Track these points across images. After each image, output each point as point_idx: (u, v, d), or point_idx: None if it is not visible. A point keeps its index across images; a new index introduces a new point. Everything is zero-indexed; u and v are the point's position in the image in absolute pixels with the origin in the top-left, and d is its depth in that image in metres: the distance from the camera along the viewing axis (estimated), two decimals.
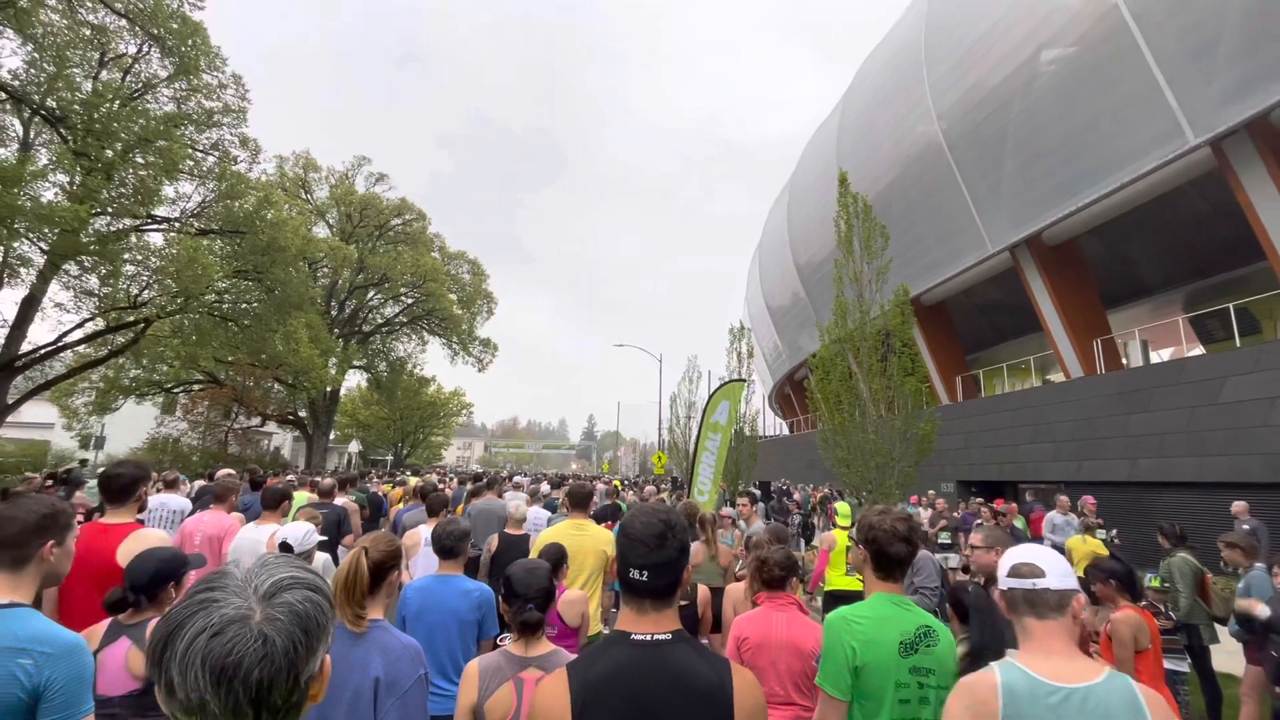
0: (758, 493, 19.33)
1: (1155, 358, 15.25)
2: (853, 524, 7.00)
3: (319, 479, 6.82)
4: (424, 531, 4.98)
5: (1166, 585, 4.77)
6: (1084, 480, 13.32)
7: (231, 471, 6.09)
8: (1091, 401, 13.50)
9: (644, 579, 1.39)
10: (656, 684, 1.29)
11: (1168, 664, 3.85)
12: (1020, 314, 18.28)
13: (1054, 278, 15.57)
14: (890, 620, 1.94)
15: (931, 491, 10.75)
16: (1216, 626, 5.04)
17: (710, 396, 10.25)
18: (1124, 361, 14.78)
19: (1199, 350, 14.09)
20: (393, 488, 12.35)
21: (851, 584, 5.77)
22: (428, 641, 2.72)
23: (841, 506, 6.49)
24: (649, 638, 1.35)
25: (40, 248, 14.74)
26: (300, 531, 2.98)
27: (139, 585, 2.19)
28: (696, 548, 4.59)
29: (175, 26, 15.54)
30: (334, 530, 5.24)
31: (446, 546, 3.00)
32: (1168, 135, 11.84)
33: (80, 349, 18.84)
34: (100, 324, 17.60)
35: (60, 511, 1.80)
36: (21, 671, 1.49)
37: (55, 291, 16.25)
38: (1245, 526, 7.85)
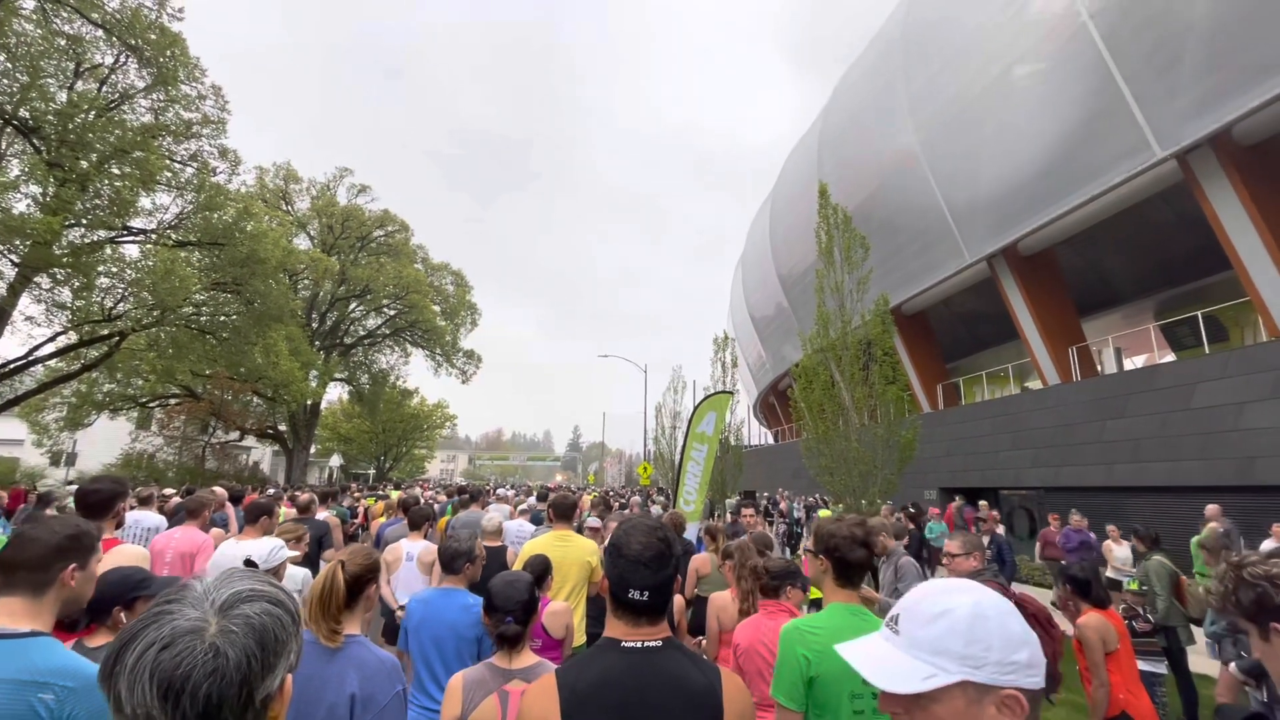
0: (763, 503, 19.34)
1: (1129, 365, 15.60)
2: None
3: (298, 494, 6.71)
4: (406, 546, 4.92)
5: (1144, 588, 4.86)
6: (1063, 485, 13.54)
7: (218, 489, 5.98)
8: (1068, 408, 13.75)
9: (644, 599, 1.39)
10: (648, 689, 1.29)
11: (1145, 665, 3.91)
12: (998, 323, 18.60)
13: (1030, 287, 15.88)
14: (845, 630, 1.91)
15: (962, 504, 10.91)
16: (1192, 627, 5.14)
17: (696, 407, 10.27)
18: (1099, 369, 15.09)
19: (1170, 357, 14.42)
20: (374, 501, 12.22)
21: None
22: (424, 655, 2.70)
23: (824, 514, 6.54)
24: (640, 644, 1.36)
25: (11, 260, 14.44)
26: (266, 548, 2.93)
27: (95, 603, 2.14)
28: (704, 558, 4.58)
29: (154, 37, 15.39)
30: (315, 546, 5.16)
31: (444, 562, 2.98)
32: (1135, 149, 12.19)
33: (51, 363, 18.42)
34: (73, 338, 17.23)
35: (84, 533, 1.70)
36: (43, 706, 1.39)
37: (26, 304, 15.90)
38: (1219, 529, 8.03)
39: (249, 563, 2.95)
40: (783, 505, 18.84)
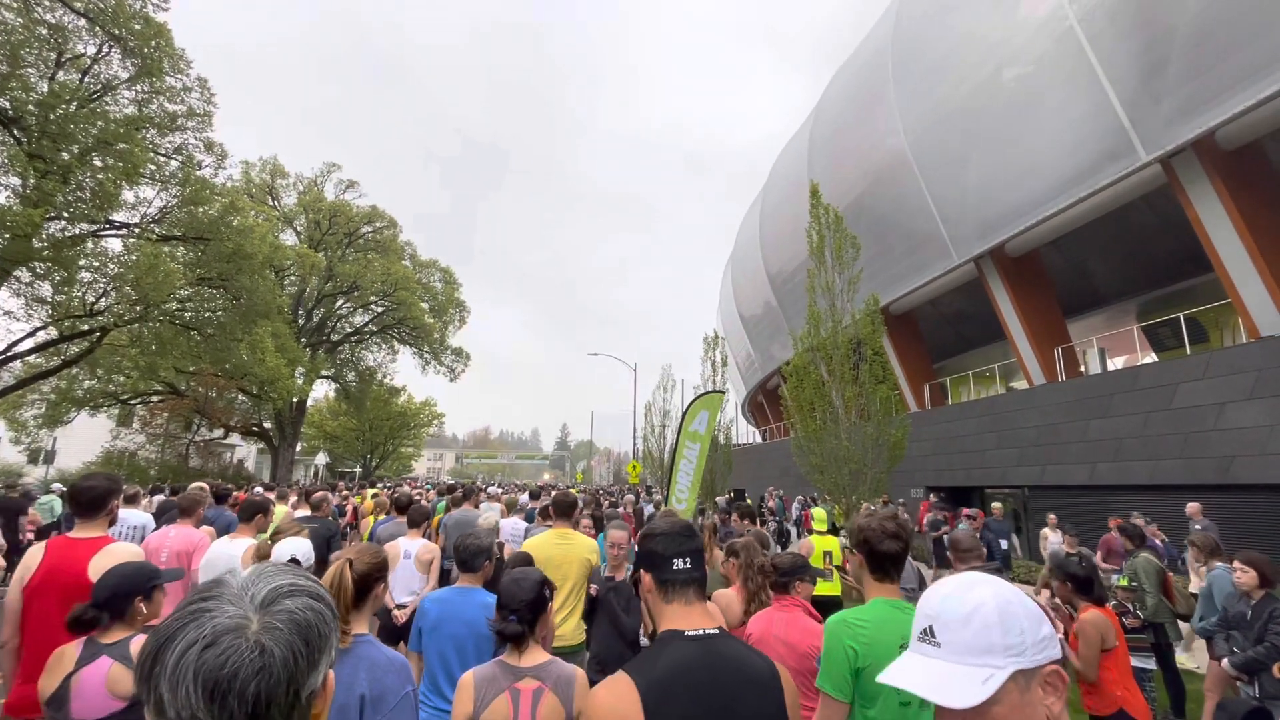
0: (749, 504, 19.36)
1: (1112, 365, 15.85)
2: (828, 529, 7.11)
3: (307, 491, 6.63)
4: (403, 544, 4.89)
5: (1134, 585, 4.94)
6: (1047, 484, 13.74)
7: (204, 485, 5.88)
8: (1053, 407, 13.95)
9: (688, 565, 1.46)
10: (720, 675, 1.33)
11: (1136, 662, 3.98)
12: (984, 323, 18.82)
13: (1017, 288, 16.08)
14: (889, 623, 1.96)
15: (997, 506, 10.79)
16: (1180, 623, 5.23)
17: (689, 406, 10.30)
18: (1083, 369, 15.32)
19: (1152, 358, 14.68)
20: (363, 500, 12.08)
21: (829, 589, 5.84)
22: (443, 654, 2.68)
23: (817, 512, 6.58)
24: (702, 632, 1.39)
25: None
26: (306, 547, 2.91)
27: (99, 601, 2.12)
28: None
29: (138, 28, 15.10)
30: (324, 547, 5.09)
31: (463, 560, 2.97)
32: (1121, 152, 12.38)
33: (30, 359, 18.04)
34: (53, 333, 16.89)
35: None
36: None
37: (4, 299, 15.55)
38: (1198, 527, 8.20)
39: (295, 562, 2.92)
40: (771, 504, 18.93)
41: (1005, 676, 0.83)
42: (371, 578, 2.06)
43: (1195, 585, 7.51)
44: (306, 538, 3.03)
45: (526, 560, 3.20)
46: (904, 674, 0.92)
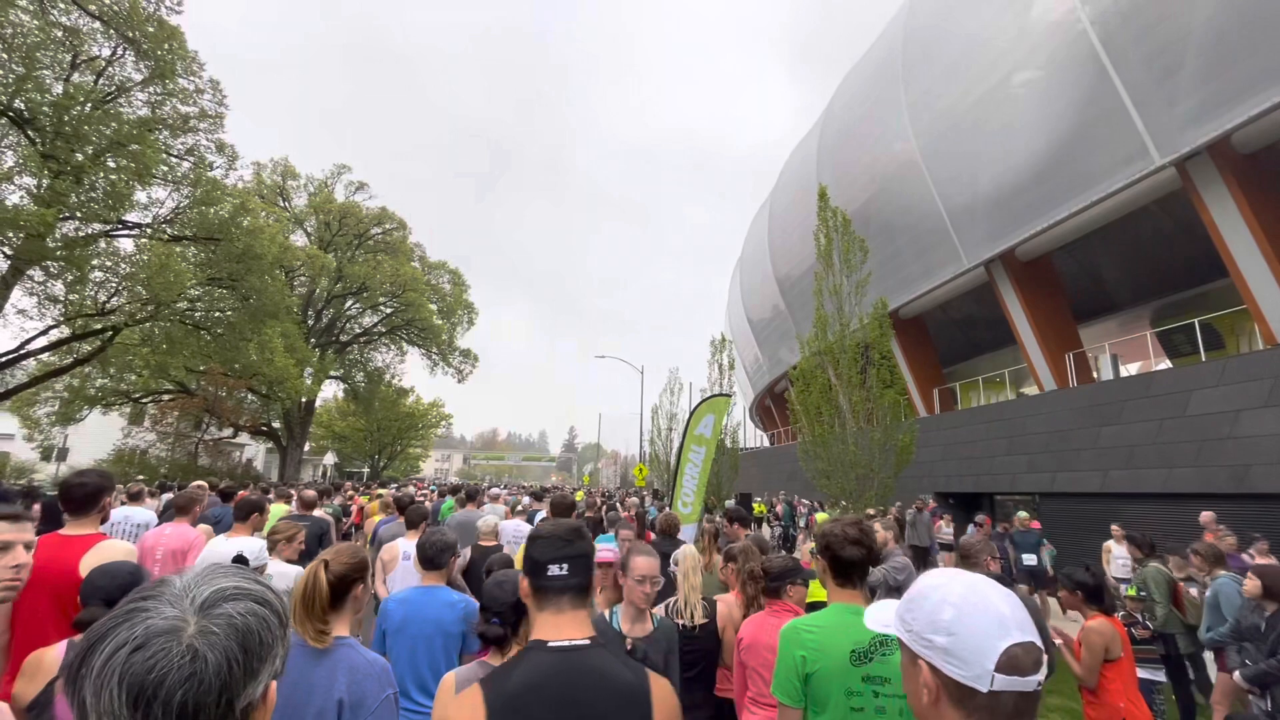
0: (741, 509, 19.29)
1: (1124, 371, 15.63)
2: None
3: (305, 490, 6.63)
4: (402, 545, 4.87)
5: (1143, 594, 4.84)
6: (1058, 491, 13.55)
7: (203, 483, 5.90)
8: (1064, 414, 13.76)
9: (564, 572, 1.39)
10: (578, 688, 1.26)
11: (1144, 673, 3.89)
12: (995, 328, 18.63)
13: (1027, 293, 15.91)
14: (842, 629, 1.96)
15: (1022, 516, 10.14)
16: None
17: (694, 409, 10.23)
18: (1095, 375, 15.11)
19: (1166, 364, 14.47)
20: (369, 500, 12.11)
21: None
22: (411, 655, 2.63)
23: (822, 517, 6.50)
24: (567, 644, 1.32)
25: (3, 252, 14.30)
26: (257, 545, 2.88)
27: (114, 598, 2.10)
28: (699, 560, 4.55)
29: (151, 30, 15.29)
30: (316, 544, 5.09)
31: (429, 557, 2.92)
32: (1134, 155, 12.22)
33: (43, 357, 18.27)
34: (65, 331, 17.09)
35: None
36: None
37: (18, 298, 15.76)
38: (1229, 539, 8.02)
39: (239, 559, 2.89)
40: (779, 509, 18.80)
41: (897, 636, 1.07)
42: (349, 579, 2.01)
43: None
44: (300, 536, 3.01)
45: (508, 563, 3.16)
46: (875, 608, 1.17)
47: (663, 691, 1.35)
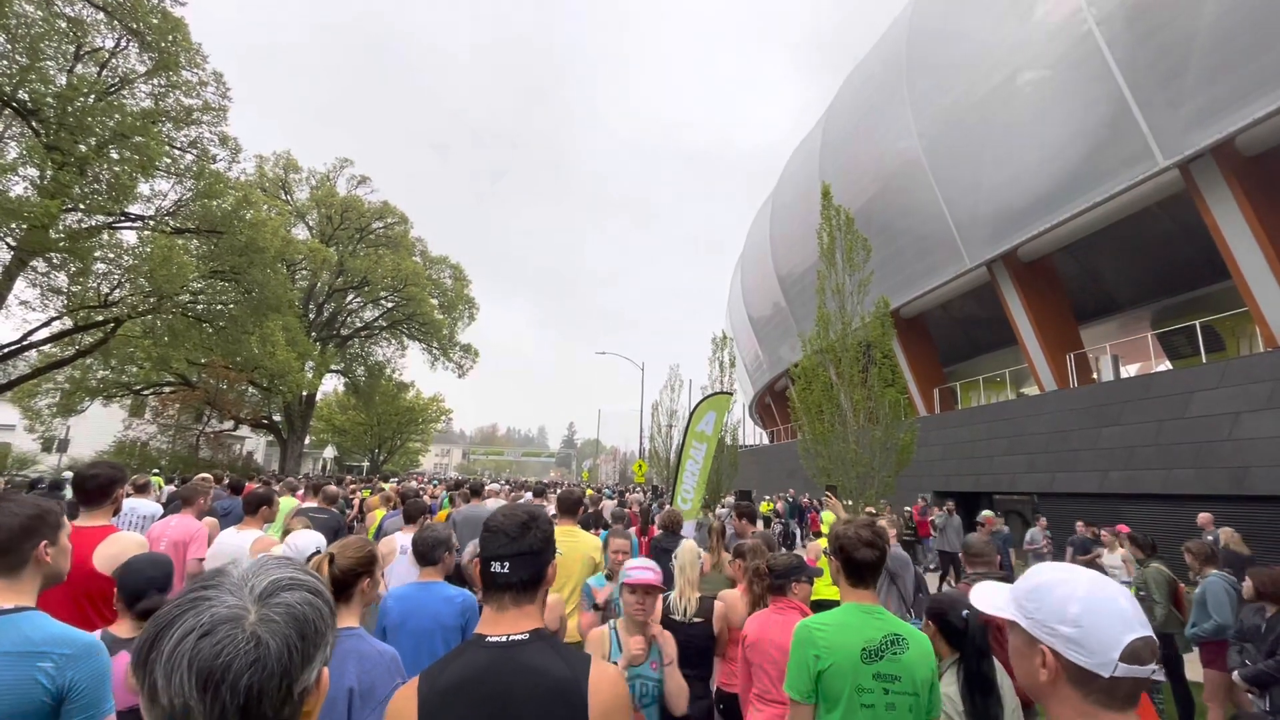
0: (751, 505, 19.39)
1: (1125, 373, 15.66)
2: None
3: (315, 485, 6.65)
4: (400, 539, 4.88)
5: (1142, 594, 4.87)
6: (1057, 492, 13.59)
7: (207, 476, 5.94)
8: (1064, 414, 13.80)
9: (505, 570, 1.37)
10: (508, 685, 1.26)
11: None
12: (996, 328, 18.65)
13: (1029, 293, 15.92)
14: (854, 627, 2.01)
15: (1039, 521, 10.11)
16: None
17: (696, 406, 10.25)
18: (1095, 376, 15.14)
19: (1166, 366, 14.49)
20: (370, 494, 12.13)
21: (833, 592, 5.81)
22: (413, 651, 2.65)
23: (827, 515, 6.54)
24: (505, 639, 1.33)
25: (7, 243, 14.32)
26: (315, 541, 2.91)
27: (166, 587, 2.20)
28: (705, 556, 4.57)
29: (155, 22, 15.28)
30: (332, 538, 5.11)
31: (423, 553, 2.94)
32: (1138, 157, 12.22)
33: (46, 348, 18.30)
34: (68, 323, 17.10)
35: (47, 511, 1.76)
36: (44, 675, 1.47)
37: (21, 289, 15.78)
38: (1209, 537, 8.07)
39: (317, 552, 2.92)
40: (779, 506, 18.84)
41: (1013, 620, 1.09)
42: (355, 573, 2.04)
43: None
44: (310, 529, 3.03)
45: None
46: (985, 590, 1.20)
47: (603, 681, 1.32)
